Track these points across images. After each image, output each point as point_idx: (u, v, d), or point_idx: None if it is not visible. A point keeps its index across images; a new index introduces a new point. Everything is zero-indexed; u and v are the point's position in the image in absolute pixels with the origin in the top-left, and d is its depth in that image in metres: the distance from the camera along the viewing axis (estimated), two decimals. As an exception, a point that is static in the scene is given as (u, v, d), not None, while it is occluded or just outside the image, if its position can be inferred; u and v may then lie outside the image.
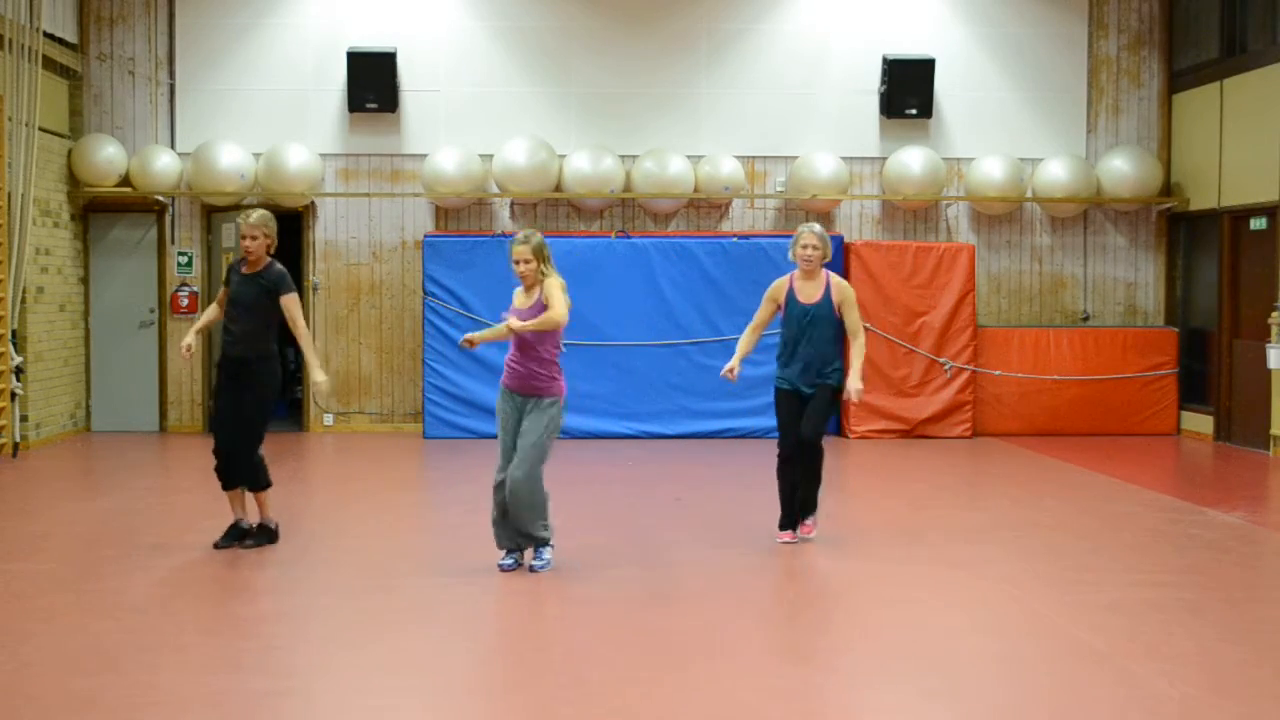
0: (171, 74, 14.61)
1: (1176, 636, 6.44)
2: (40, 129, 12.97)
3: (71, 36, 14.19)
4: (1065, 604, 7.03)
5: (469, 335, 7.67)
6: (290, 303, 8.21)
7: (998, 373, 14.45)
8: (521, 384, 7.56)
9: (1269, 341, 12.86)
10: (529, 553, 7.77)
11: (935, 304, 14.24)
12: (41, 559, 8.13)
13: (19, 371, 12.58)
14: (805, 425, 8.25)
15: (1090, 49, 15.20)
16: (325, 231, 14.77)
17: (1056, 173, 14.72)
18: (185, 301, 14.56)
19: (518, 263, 7.52)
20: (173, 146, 14.54)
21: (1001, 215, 15.16)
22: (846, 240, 14.47)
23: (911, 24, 15.00)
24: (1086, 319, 15.19)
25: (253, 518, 8.42)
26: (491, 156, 14.40)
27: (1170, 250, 15.27)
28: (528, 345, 7.51)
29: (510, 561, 7.70)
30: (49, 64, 13.39)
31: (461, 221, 14.77)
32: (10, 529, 9.10)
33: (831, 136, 14.90)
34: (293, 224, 14.98)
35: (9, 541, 8.66)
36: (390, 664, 5.94)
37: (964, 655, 6.18)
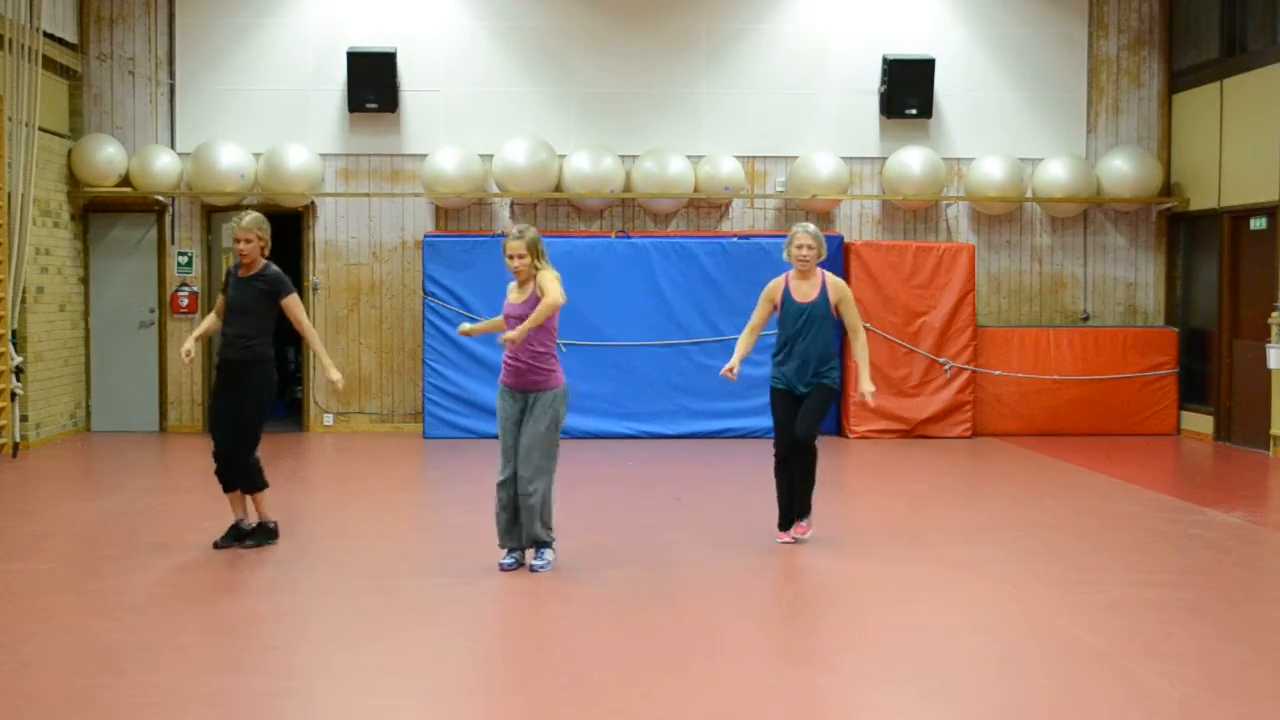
0: (171, 74, 14.62)
1: (1176, 636, 6.44)
2: (40, 129, 12.97)
3: (71, 36, 14.20)
4: (1065, 604, 7.03)
5: (465, 326, 7.71)
6: (293, 304, 8.22)
7: (998, 373, 14.45)
8: (520, 380, 7.56)
9: (1269, 341, 12.86)
10: (530, 552, 7.78)
11: (935, 304, 14.25)
12: (41, 559, 8.13)
13: (19, 371, 12.58)
14: (799, 425, 8.25)
15: (1090, 49, 15.20)
16: (325, 231, 14.77)
17: (1056, 173, 14.72)
18: (185, 301, 14.56)
19: (512, 258, 7.52)
20: (173, 146, 14.54)
21: (1001, 215, 15.16)
22: (846, 240, 14.47)
23: (911, 24, 15.00)
24: (1086, 319, 15.19)
25: (252, 519, 8.42)
26: (491, 156, 14.40)
27: (1170, 250, 15.27)
28: (524, 340, 7.50)
29: (511, 561, 7.70)
30: (49, 64, 13.39)
31: (461, 221, 14.77)
32: (10, 529, 9.10)
33: (831, 136, 14.90)
34: (293, 224, 14.99)
35: (9, 541, 8.66)
36: (390, 664, 5.94)
37: (964, 655, 6.18)
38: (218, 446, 8.22)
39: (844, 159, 14.71)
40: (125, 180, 14.30)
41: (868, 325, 13.92)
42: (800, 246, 8.32)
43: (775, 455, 8.46)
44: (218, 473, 8.27)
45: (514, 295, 7.64)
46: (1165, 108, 15.22)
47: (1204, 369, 14.54)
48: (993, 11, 15.08)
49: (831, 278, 8.46)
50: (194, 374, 14.51)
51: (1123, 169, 14.73)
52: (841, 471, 12.26)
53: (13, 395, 12.45)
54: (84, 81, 14.50)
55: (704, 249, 14.13)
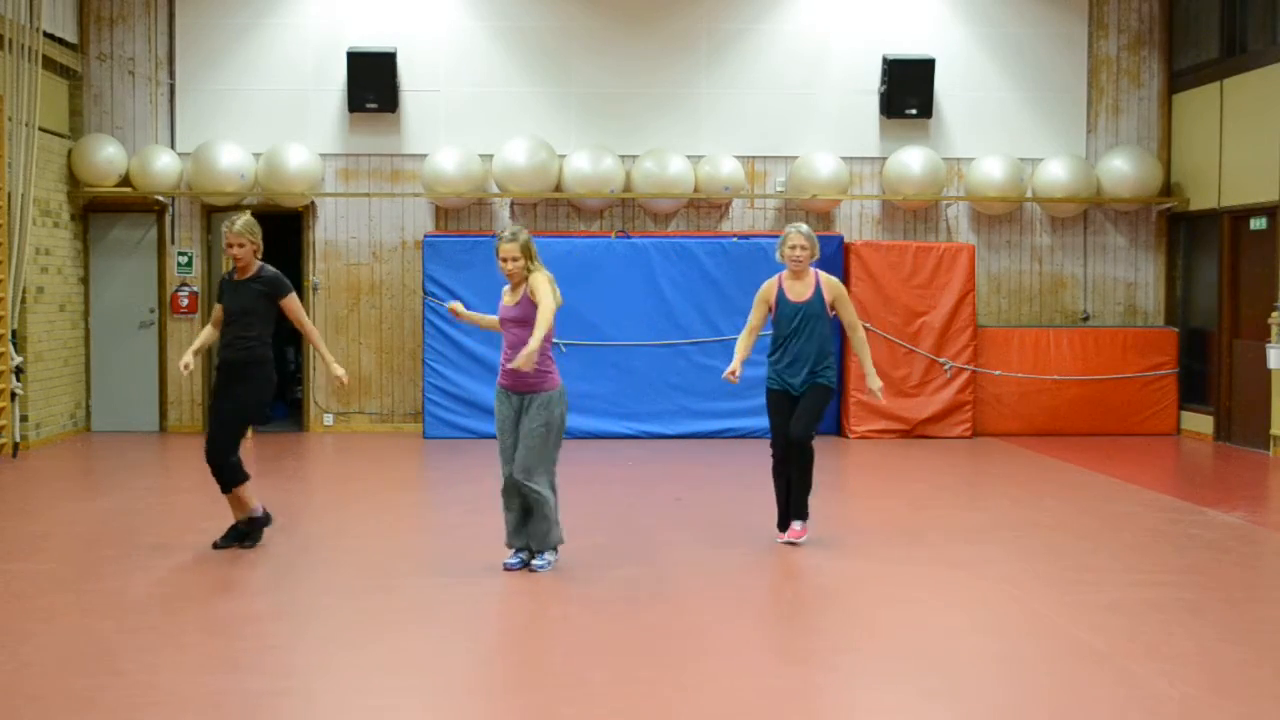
0: (171, 74, 14.62)
1: (1176, 636, 6.44)
2: (40, 129, 12.97)
3: (71, 36, 14.20)
4: (1065, 604, 7.03)
5: (458, 306, 7.65)
6: (292, 303, 8.23)
7: (998, 373, 14.45)
8: (516, 381, 7.56)
9: (1269, 341, 12.86)
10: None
11: (935, 304, 14.24)
12: (41, 559, 8.13)
13: (19, 371, 12.58)
14: (795, 425, 8.25)
15: (1090, 49, 15.20)
16: (325, 231, 14.77)
17: (1056, 173, 14.72)
18: (185, 301, 14.56)
19: (505, 260, 7.50)
20: (173, 146, 14.54)
21: (1001, 215, 15.16)
22: (846, 240, 14.47)
23: (911, 24, 15.00)
24: (1086, 319, 15.19)
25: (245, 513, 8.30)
26: (491, 156, 14.40)
27: (1170, 250, 15.27)
28: (521, 340, 7.50)
29: (515, 561, 7.70)
30: (49, 64, 13.39)
31: (461, 221, 14.77)
32: (10, 529, 9.10)
33: (831, 136, 14.90)
34: (293, 224, 14.99)
35: (9, 541, 8.66)
36: (390, 664, 5.94)
37: (964, 655, 6.18)
38: (208, 449, 8.20)
39: (844, 159, 14.71)
40: (125, 180, 14.31)
41: (867, 325, 13.95)
42: (793, 247, 8.32)
43: (773, 456, 8.45)
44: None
45: (507, 298, 7.63)
46: (1165, 108, 15.22)
47: (1204, 369, 14.55)
48: (993, 11, 15.08)
49: (825, 276, 8.46)
50: (194, 375, 14.50)
51: (1123, 169, 14.73)
52: (841, 471, 12.26)
53: (13, 395, 12.45)
54: (84, 81, 14.50)
55: (704, 249, 14.14)
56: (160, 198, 14.47)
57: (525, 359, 7.22)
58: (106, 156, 14.12)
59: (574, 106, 14.82)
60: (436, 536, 9.23)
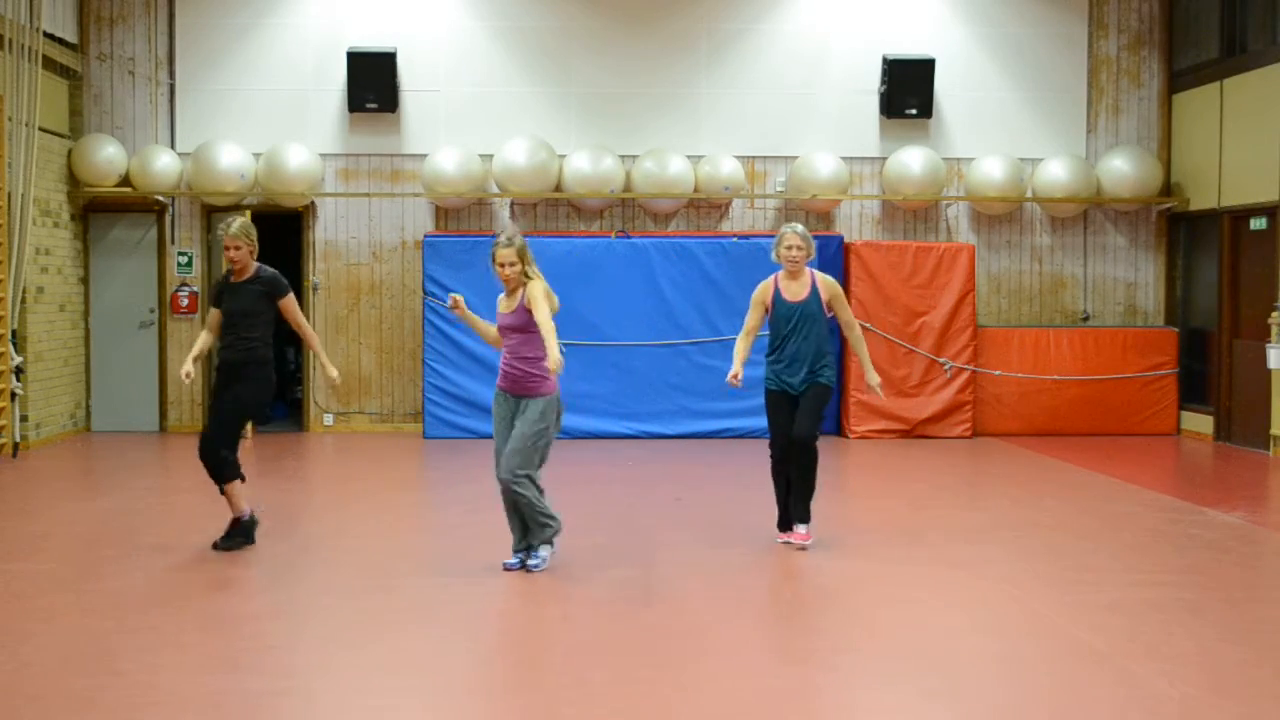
0: (171, 74, 14.62)
1: (1176, 636, 6.44)
2: (40, 129, 12.97)
3: (71, 36, 14.20)
4: (1065, 604, 7.03)
5: (459, 301, 7.60)
6: (290, 304, 8.23)
7: (998, 373, 14.45)
8: (514, 385, 7.57)
9: (1269, 341, 12.86)
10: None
11: (935, 304, 14.24)
12: (41, 559, 8.13)
13: (19, 371, 12.58)
14: (799, 425, 8.24)
15: (1090, 49, 15.20)
16: (325, 231, 14.77)
17: (1056, 173, 14.72)
18: (185, 301, 14.56)
19: (503, 265, 7.47)
20: (173, 146, 14.54)
21: (1001, 215, 15.16)
22: (846, 240, 14.47)
23: (911, 24, 15.00)
24: (1086, 319, 15.19)
25: (239, 512, 8.27)
26: (491, 156, 14.40)
27: (1170, 250, 15.27)
28: (519, 346, 7.51)
29: (515, 561, 7.69)
30: (49, 64, 13.39)
31: (461, 221, 14.77)
32: (10, 529, 9.10)
33: (831, 136, 14.90)
34: (293, 224, 15.00)
35: (9, 541, 8.66)
36: (390, 664, 5.94)
37: (964, 655, 6.18)
38: (201, 446, 8.19)
39: (844, 159, 14.71)
40: (125, 180, 14.31)
41: (867, 325, 13.96)
42: (789, 247, 8.31)
43: (772, 456, 8.45)
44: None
45: (503, 305, 7.62)
46: (1165, 108, 15.22)
47: (1204, 369, 14.54)
48: (993, 11, 15.08)
49: (821, 276, 8.46)
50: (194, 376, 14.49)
51: (1123, 169, 14.73)
52: (841, 471, 12.26)
53: (13, 395, 12.45)
54: (84, 81, 14.50)
55: (704, 249, 14.13)
56: (160, 198, 14.47)
57: (555, 365, 7.25)
58: (106, 156, 14.12)
59: (574, 106, 14.82)
60: (436, 536, 9.23)
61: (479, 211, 14.80)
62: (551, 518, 7.66)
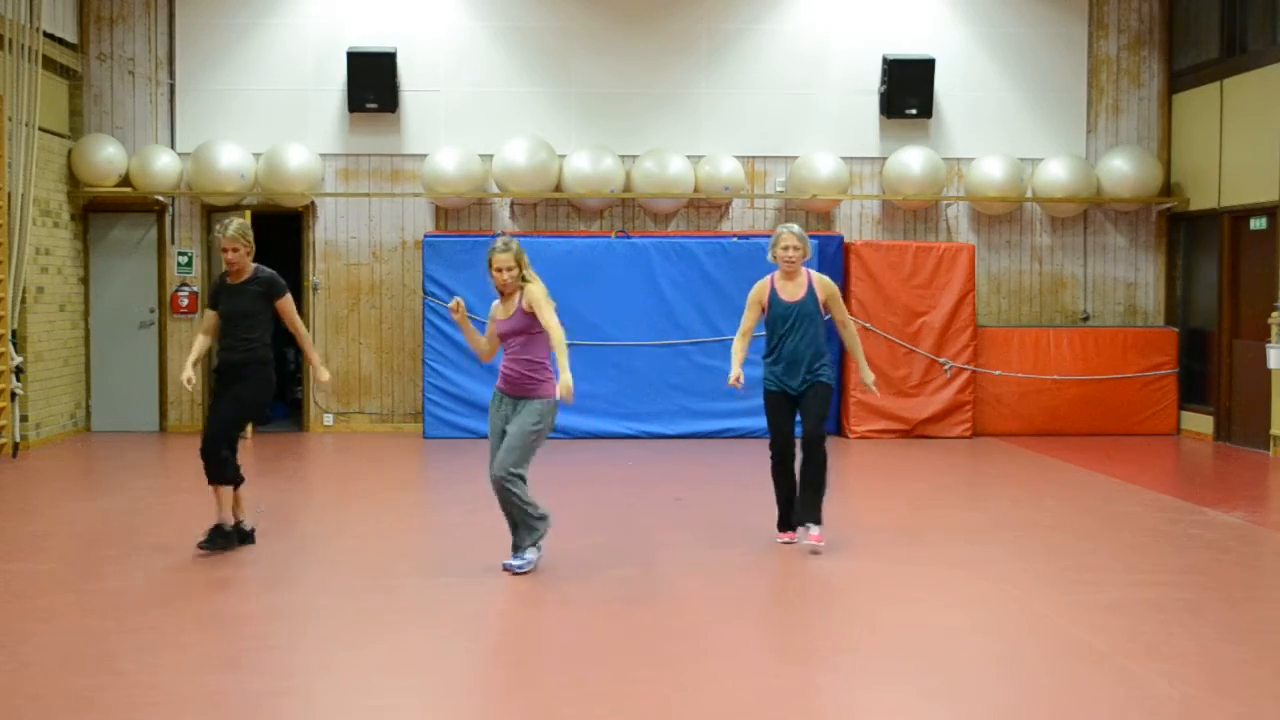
0: (171, 74, 14.62)
1: (1176, 636, 6.44)
2: (40, 129, 12.97)
3: (71, 36, 14.20)
4: (1065, 604, 7.03)
5: (461, 308, 7.58)
6: (287, 304, 8.22)
7: (998, 373, 14.45)
8: (514, 387, 7.58)
9: (1269, 341, 12.86)
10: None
11: (935, 304, 14.25)
12: (41, 559, 8.13)
13: (19, 371, 12.58)
14: (808, 425, 8.24)
15: (1090, 49, 15.20)
16: (325, 231, 14.77)
17: (1056, 173, 14.73)
18: (185, 301, 14.56)
19: (500, 270, 7.46)
20: (173, 146, 14.54)
21: (1001, 215, 15.16)
22: (846, 240, 14.47)
23: (911, 24, 15.00)
24: (1086, 319, 15.19)
25: (227, 517, 8.22)
26: (491, 156, 14.40)
27: (1170, 250, 15.27)
28: (520, 349, 7.51)
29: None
30: (49, 64, 13.39)
31: (461, 221, 14.77)
32: (10, 529, 9.10)
33: (831, 136, 14.90)
34: (293, 224, 15.00)
35: (9, 541, 8.66)
36: (390, 664, 5.94)
37: (964, 655, 6.18)
38: (203, 447, 8.17)
39: (844, 159, 14.71)
40: (125, 180, 14.31)
41: (868, 325, 13.97)
42: (786, 248, 8.31)
43: (772, 457, 8.45)
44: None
45: (499, 311, 7.61)
46: (1165, 108, 15.22)
47: (1204, 369, 14.54)
48: (993, 11, 15.08)
49: (817, 275, 8.46)
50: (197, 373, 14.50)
51: (1123, 169, 14.73)
52: (841, 471, 12.25)
53: (13, 395, 12.45)
54: (84, 81, 14.50)
55: (704, 249, 14.13)
56: (160, 198, 14.47)
57: (567, 394, 7.37)
58: (106, 156, 14.12)
59: (574, 106, 14.82)
60: (436, 536, 9.23)
61: (479, 211, 14.80)
62: (542, 518, 7.62)
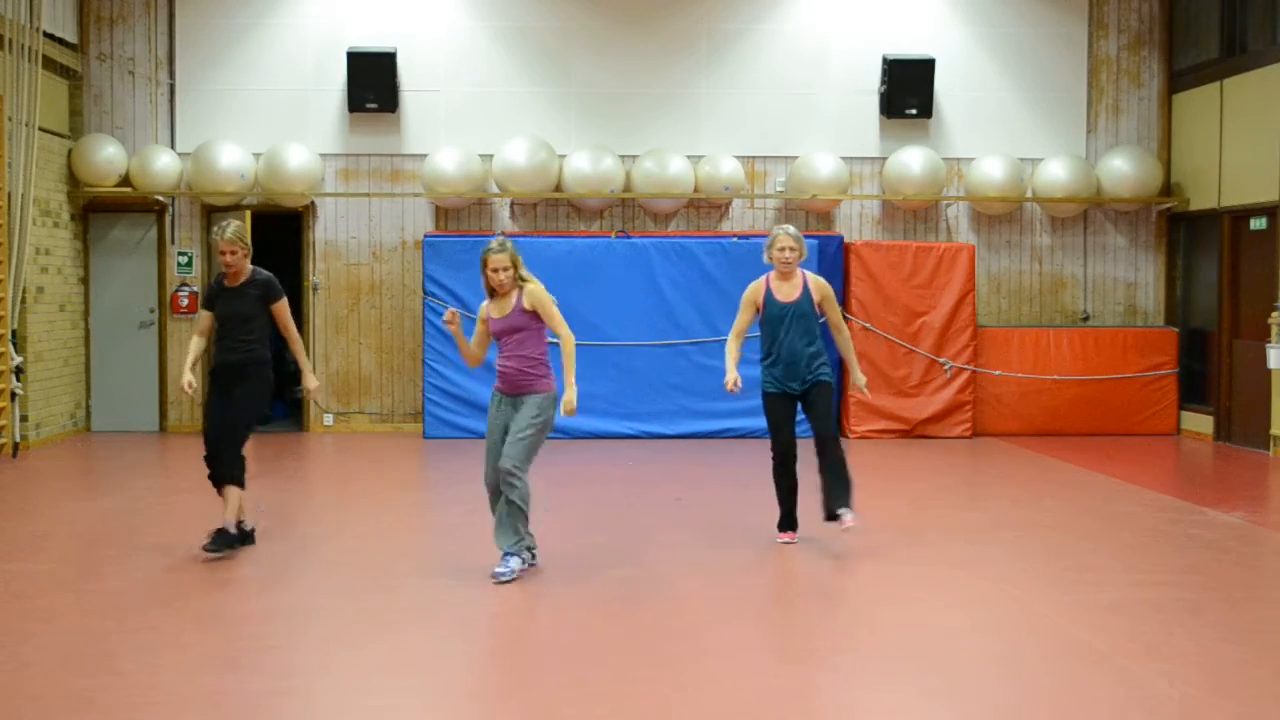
0: (171, 74, 14.62)
1: (1176, 636, 6.44)
2: (40, 129, 12.97)
3: (71, 36, 14.20)
4: (1065, 604, 7.03)
5: (455, 320, 7.57)
6: (282, 309, 8.19)
7: (998, 373, 14.45)
8: (512, 385, 7.58)
9: (1269, 341, 12.86)
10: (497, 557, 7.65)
11: (935, 304, 14.25)
12: (41, 559, 8.13)
13: (19, 371, 12.58)
14: (819, 424, 8.25)
15: (1090, 49, 15.20)
16: (325, 231, 14.77)
17: (1056, 173, 14.73)
18: (185, 301, 14.56)
19: (496, 271, 7.48)
20: (173, 146, 14.54)
21: (1001, 215, 15.16)
22: (846, 240, 14.47)
23: (911, 24, 15.00)
24: (1086, 319, 15.19)
25: (230, 518, 8.22)
26: (491, 156, 14.40)
27: (1170, 250, 15.27)
28: (518, 345, 7.52)
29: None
30: (49, 64, 13.39)
31: (461, 221, 14.77)
32: (10, 529, 9.10)
33: (831, 136, 14.90)
34: (293, 224, 15.00)
35: (9, 541, 8.66)
36: (390, 664, 5.94)
37: (964, 655, 6.18)
38: (210, 451, 8.17)
39: (844, 159, 14.71)
40: (125, 180, 14.31)
41: (868, 325, 13.97)
42: (782, 249, 8.32)
43: (773, 458, 8.44)
44: (211, 477, 8.23)
45: (494, 310, 7.61)
46: (1165, 108, 15.22)
47: (1204, 369, 14.54)
48: (993, 11, 15.08)
49: (812, 276, 8.46)
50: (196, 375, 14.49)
51: (1123, 169, 14.73)
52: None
53: (13, 395, 12.45)
54: (84, 81, 14.50)
55: (704, 249, 14.13)
56: (160, 198, 14.47)
57: (570, 409, 7.53)
58: (106, 156, 14.12)
59: (574, 106, 14.82)
60: (436, 536, 9.23)
61: (479, 211, 14.80)
62: (529, 533, 7.55)
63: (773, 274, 8.42)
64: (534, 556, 7.74)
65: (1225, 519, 9.53)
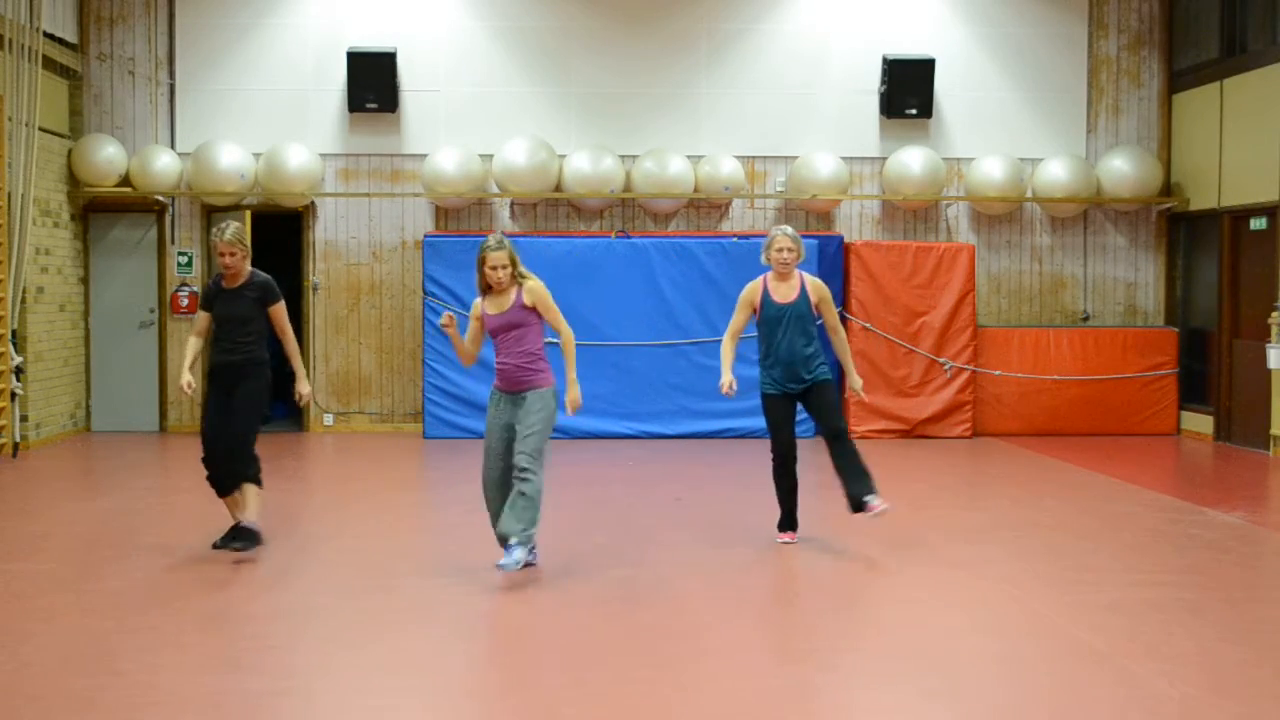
0: (171, 74, 14.62)
1: (1176, 636, 6.44)
2: (40, 129, 12.97)
3: (71, 36, 14.20)
4: (1065, 604, 7.03)
5: (453, 323, 7.59)
6: (279, 311, 8.18)
7: (998, 373, 14.45)
8: (511, 383, 7.57)
9: (1269, 341, 12.86)
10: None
11: (935, 304, 14.25)
12: (41, 559, 8.13)
13: (19, 371, 12.58)
14: (829, 421, 8.27)
15: (1090, 49, 15.20)
16: (325, 231, 14.77)
17: (1056, 173, 14.72)
18: (185, 301, 14.56)
19: (495, 269, 7.47)
20: (173, 146, 14.54)
21: (1001, 215, 15.16)
22: (846, 240, 14.47)
23: (911, 24, 15.00)
24: (1086, 319, 15.19)
25: (248, 517, 8.26)
26: (491, 156, 14.40)
27: (1170, 250, 15.27)
28: (516, 341, 7.52)
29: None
30: (49, 64, 13.39)
31: (461, 221, 14.77)
32: (10, 529, 9.10)
33: (831, 136, 14.90)
34: (293, 224, 15.00)
35: (9, 541, 8.66)
36: (390, 664, 5.94)
37: (964, 655, 6.18)
38: (208, 452, 8.16)
39: (844, 159, 14.71)
40: (125, 180, 14.31)
41: (868, 325, 13.97)
42: (780, 250, 8.32)
43: (773, 459, 8.44)
44: (210, 479, 8.22)
45: (491, 306, 7.60)
46: (1165, 108, 15.22)
47: (1204, 369, 14.54)
48: (993, 11, 15.08)
49: (810, 278, 8.47)
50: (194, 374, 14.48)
51: (1123, 169, 14.73)
52: (841, 471, 12.24)
53: (13, 395, 12.45)
54: (84, 81, 14.51)
55: (704, 249, 14.13)
56: (160, 198, 14.48)
57: (574, 407, 7.58)
58: (106, 156, 14.12)
59: (574, 106, 14.82)
60: (436, 536, 9.23)
61: (479, 211, 14.80)
62: (534, 524, 7.42)
63: (770, 275, 8.42)
64: (533, 555, 7.74)
65: (1225, 519, 9.53)
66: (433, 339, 14.01)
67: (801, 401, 8.39)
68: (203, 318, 8.25)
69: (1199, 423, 14.41)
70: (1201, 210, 14.56)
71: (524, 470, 7.38)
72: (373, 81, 14.32)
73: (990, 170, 14.70)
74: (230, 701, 5.43)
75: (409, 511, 10.51)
